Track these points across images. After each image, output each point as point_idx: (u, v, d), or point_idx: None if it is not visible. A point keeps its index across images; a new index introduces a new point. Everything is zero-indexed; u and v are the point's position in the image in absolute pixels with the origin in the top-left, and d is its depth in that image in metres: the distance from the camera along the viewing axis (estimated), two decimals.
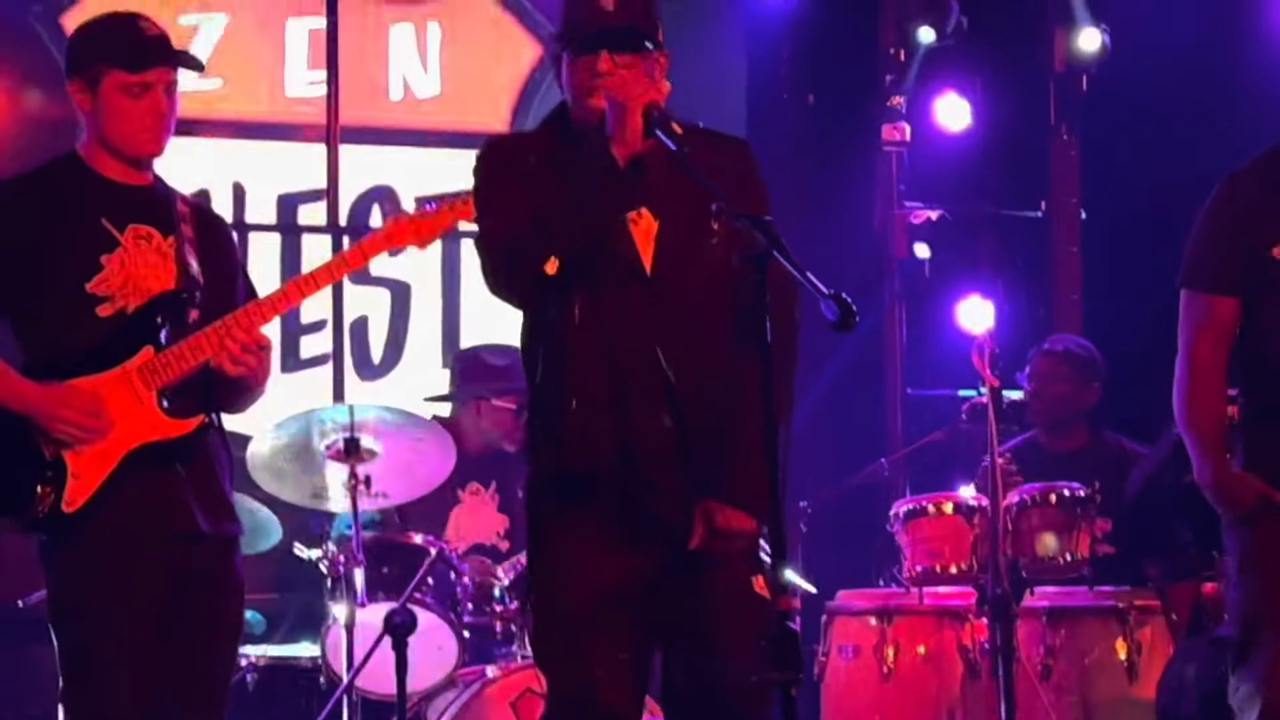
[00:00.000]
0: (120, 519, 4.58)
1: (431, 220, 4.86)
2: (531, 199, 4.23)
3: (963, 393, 7.86)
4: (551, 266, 4.16)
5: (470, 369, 7.82)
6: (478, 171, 4.44)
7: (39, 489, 4.57)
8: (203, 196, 8.84)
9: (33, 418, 4.56)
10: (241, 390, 4.80)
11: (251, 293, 4.93)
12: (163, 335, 4.66)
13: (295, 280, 4.84)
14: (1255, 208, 5.04)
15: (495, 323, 8.24)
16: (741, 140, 4.50)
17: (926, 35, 9.28)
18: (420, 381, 8.16)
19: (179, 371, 4.63)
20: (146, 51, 4.69)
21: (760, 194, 4.38)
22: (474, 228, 4.49)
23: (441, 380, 8.23)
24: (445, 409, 7.77)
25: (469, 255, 8.94)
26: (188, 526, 4.66)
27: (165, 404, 4.64)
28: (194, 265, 4.74)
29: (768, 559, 4.07)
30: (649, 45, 4.31)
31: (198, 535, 4.67)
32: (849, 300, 3.77)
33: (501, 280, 4.30)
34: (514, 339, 4.48)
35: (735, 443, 4.23)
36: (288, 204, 9.30)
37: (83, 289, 4.63)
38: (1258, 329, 5.04)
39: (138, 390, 4.62)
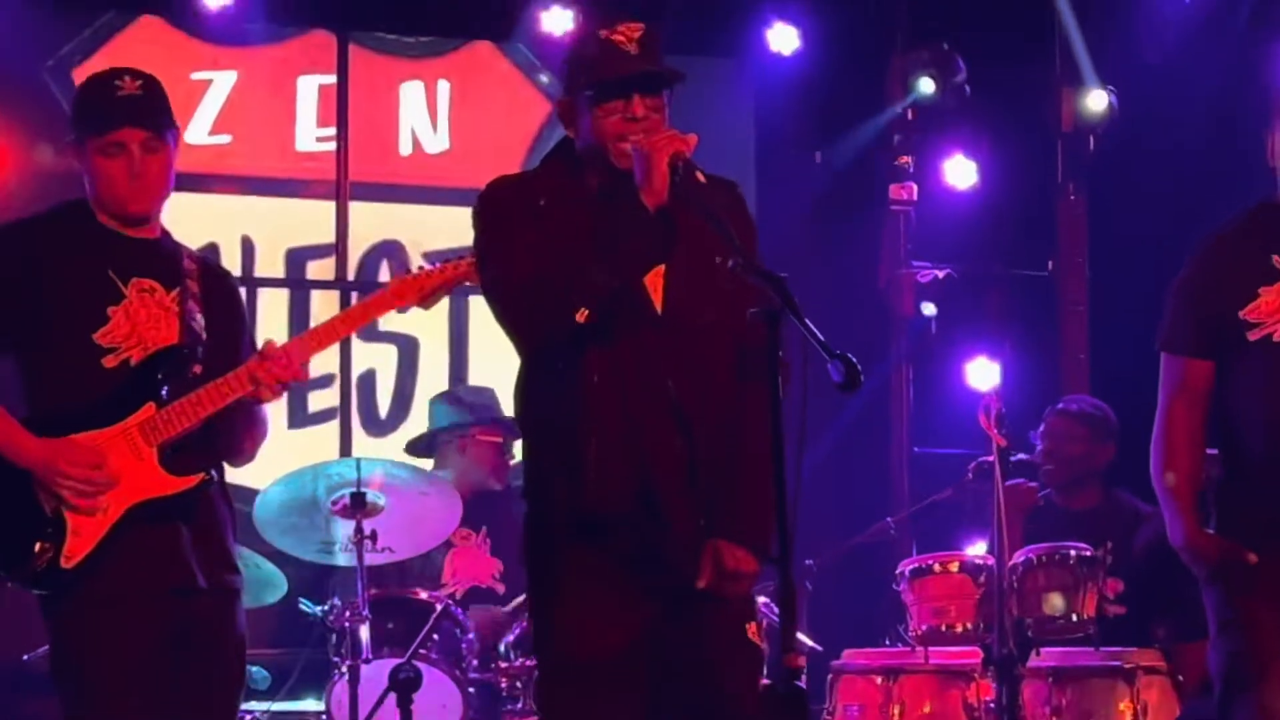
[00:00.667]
0: (119, 575, 4.57)
1: (435, 280, 4.85)
2: (545, 242, 4.23)
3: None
4: (583, 317, 4.15)
5: (447, 407, 7.86)
6: (482, 214, 4.40)
7: (37, 545, 4.56)
8: (212, 251, 8.87)
9: (35, 473, 4.55)
10: (251, 436, 4.80)
11: (253, 346, 4.93)
12: (164, 391, 4.65)
13: (301, 337, 4.83)
14: (1226, 271, 5.09)
15: (503, 378, 8.23)
16: (731, 181, 4.51)
17: (926, 86, 9.28)
18: None
19: (180, 428, 4.63)
20: (113, 113, 4.67)
21: (751, 234, 4.41)
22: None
23: None
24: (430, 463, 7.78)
25: (476, 311, 8.95)
26: (187, 582, 4.64)
27: (166, 460, 4.63)
28: (198, 320, 4.74)
29: (768, 614, 4.06)
30: (673, 85, 4.34)
31: (197, 590, 4.66)
32: (855, 361, 3.81)
33: (527, 328, 4.28)
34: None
35: (740, 483, 4.24)
36: (296, 259, 9.32)
37: (90, 339, 4.64)
38: (1229, 390, 5.09)
39: (138, 446, 4.62)
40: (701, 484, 4.25)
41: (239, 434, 4.83)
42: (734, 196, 4.45)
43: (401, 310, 4.92)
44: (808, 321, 3.90)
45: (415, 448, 7.96)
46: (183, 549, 4.65)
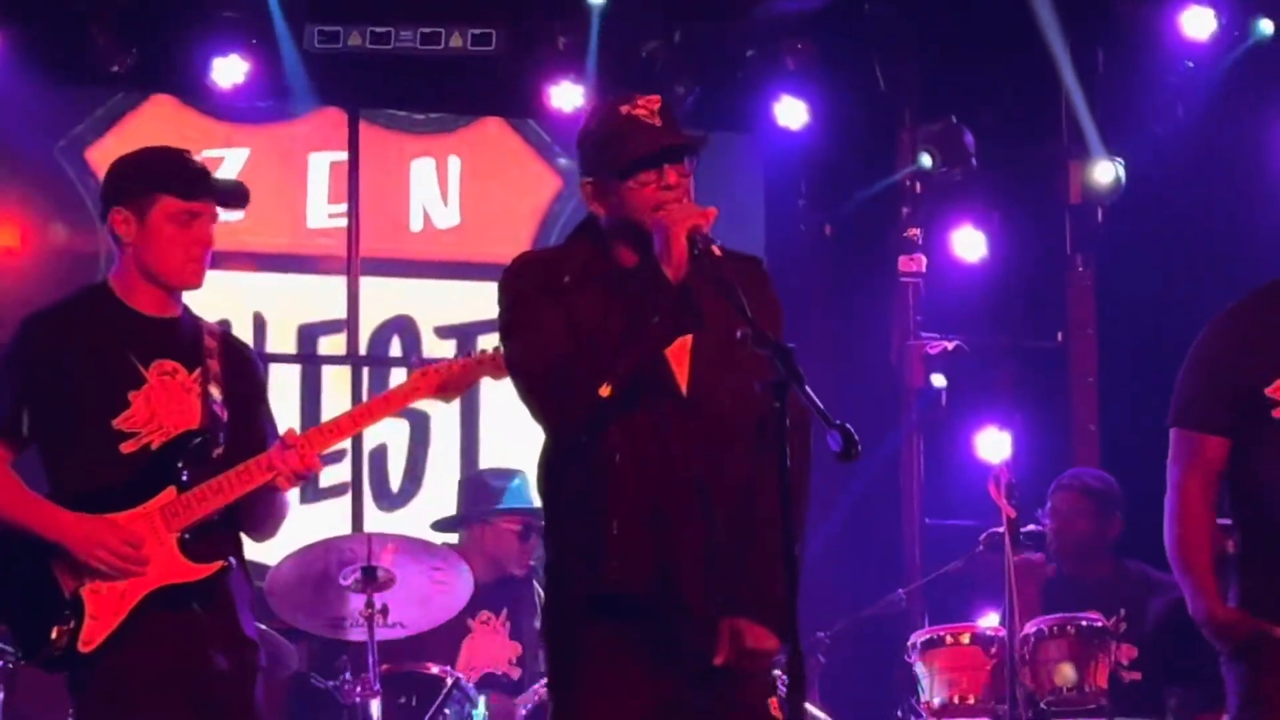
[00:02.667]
0: (138, 660, 4.58)
1: (458, 376, 4.88)
2: (570, 319, 4.23)
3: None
4: (606, 391, 4.16)
5: (474, 492, 7.86)
6: (507, 289, 4.39)
7: (55, 630, 4.57)
8: (224, 328, 8.89)
9: (72, 545, 4.56)
10: (273, 516, 4.82)
11: (273, 423, 4.93)
12: (185, 476, 4.66)
13: (319, 429, 4.83)
14: (1248, 348, 5.07)
15: (514, 453, 8.24)
16: (755, 257, 4.52)
17: (926, 160, 9.31)
18: (438, 511, 8.15)
19: (201, 513, 4.64)
20: (199, 181, 4.75)
21: (775, 310, 4.42)
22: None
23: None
24: (454, 537, 7.77)
25: (488, 386, 8.94)
26: (204, 664, 4.64)
27: (185, 546, 4.64)
28: (218, 401, 4.74)
29: (784, 688, 4.05)
30: (697, 155, 4.35)
31: (216, 672, 4.66)
32: (853, 431, 3.83)
33: (552, 406, 4.26)
34: (533, 467, 4.45)
35: (756, 560, 4.23)
36: (308, 335, 9.34)
37: (109, 425, 4.65)
38: (1252, 465, 5.05)
39: (158, 531, 4.62)
40: (719, 563, 4.24)
41: (260, 516, 4.84)
42: (758, 273, 4.45)
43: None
44: (810, 392, 3.90)
45: (441, 527, 7.96)
46: (200, 632, 4.65)
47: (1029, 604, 6.91)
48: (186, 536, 4.63)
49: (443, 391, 4.89)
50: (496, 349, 4.77)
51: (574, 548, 4.31)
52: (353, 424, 4.86)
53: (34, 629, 4.60)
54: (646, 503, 4.23)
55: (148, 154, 4.87)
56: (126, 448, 4.65)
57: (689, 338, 4.28)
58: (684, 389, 4.29)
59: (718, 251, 4.15)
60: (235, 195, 4.86)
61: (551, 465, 4.40)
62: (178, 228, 4.71)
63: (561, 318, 4.24)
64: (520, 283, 4.37)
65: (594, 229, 4.43)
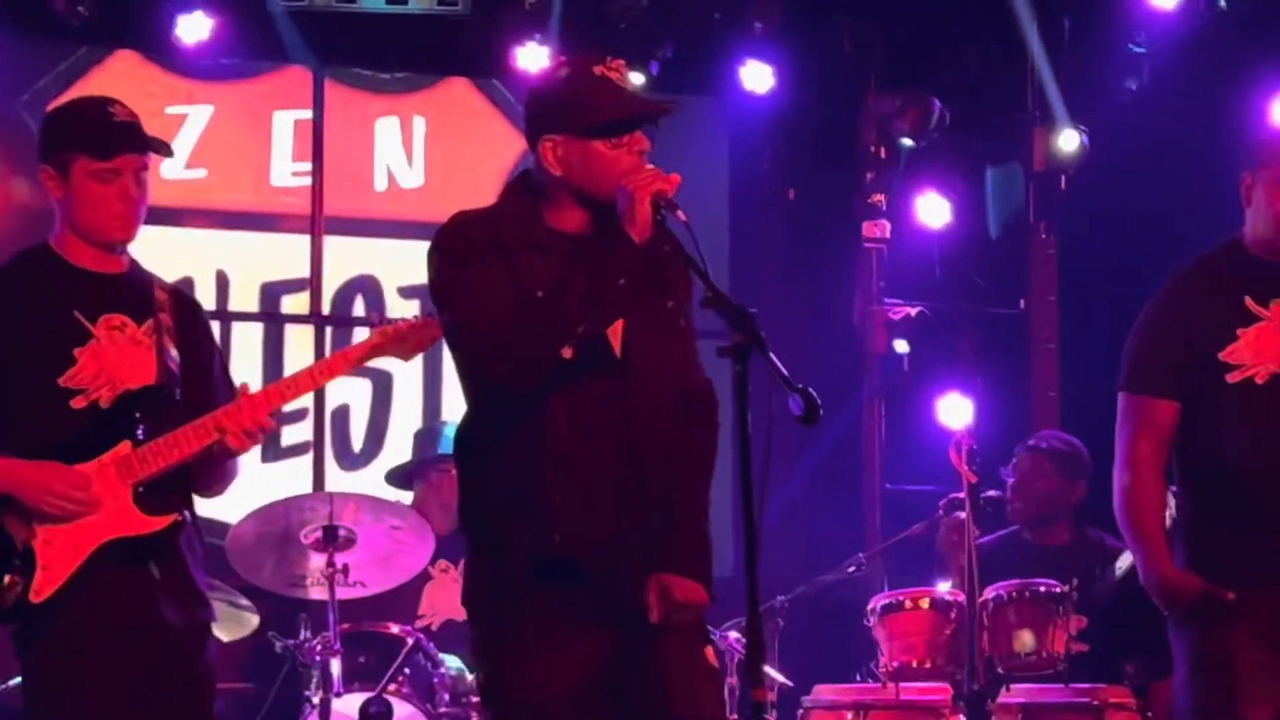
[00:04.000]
0: (89, 612, 4.55)
1: (418, 333, 4.84)
2: (514, 281, 4.21)
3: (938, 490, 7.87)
4: (568, 352, 4.15)
5: (425, 441, 7.90)
6: (444, 252, 4.32)
7: (6, 578, 4.54)
8: (186, 285, 8.86)
9: (20, 493, 4.54)
10: (224, 476, 4.80)
11: (227, 377, 4.92)
12: (140, 430, 4.64)
13: (276, 385, 4.78)
14: (1200, 313, 5.08)
15: None
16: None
17: (908, 143, 9.34)
18: None
19: (156, 467, 4.62)
20: (115, 137, 4.68)
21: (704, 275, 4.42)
22: None
23: None
24: (411, 496, 7.79)
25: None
26: (155, 619, 4.63)
27: (140, 499, 4.62)
28: (173, 356, 4.72)
29: (742, 650, 4.07)
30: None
31: (166, 626, 4.65)
32: (814, 395, 3.84)
33: (506, 367, 4.20)
34: None
35: (681, 520, 4.28)
36: (271, 293, 9.32)
37: (54, 383, 4.61)
38: (1204, 430, 5.08)
39: (112, 484, 4.60)
40: (653, 526, 4.26)
41: (212, 474, 4.81)
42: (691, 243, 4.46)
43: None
44: (773, 356, 3.92)
45: (394, 478, 7.96)
46: (152, 586, 4.64)
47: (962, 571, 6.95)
48: (141, 490, 4.61)
49: (402, 349, 4.86)
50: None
51: (515, 512, 4.27)
52: (311, 380, 4.83)
53: None
54: (589, 468, 4.23)
55: (68, 110, 4.82)
56: (76, 404, 4.62)
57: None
58: (618, 352, 4.28)
59: (683, 217, 4.15)
60: (155, 147, 4.75)
61: (483, 430, 4.35)
62: (100, 184, 4.66)
63: (508, 278, 4.22)
64: (462, 243, 4.30)
65: (535, 185, 4.37)
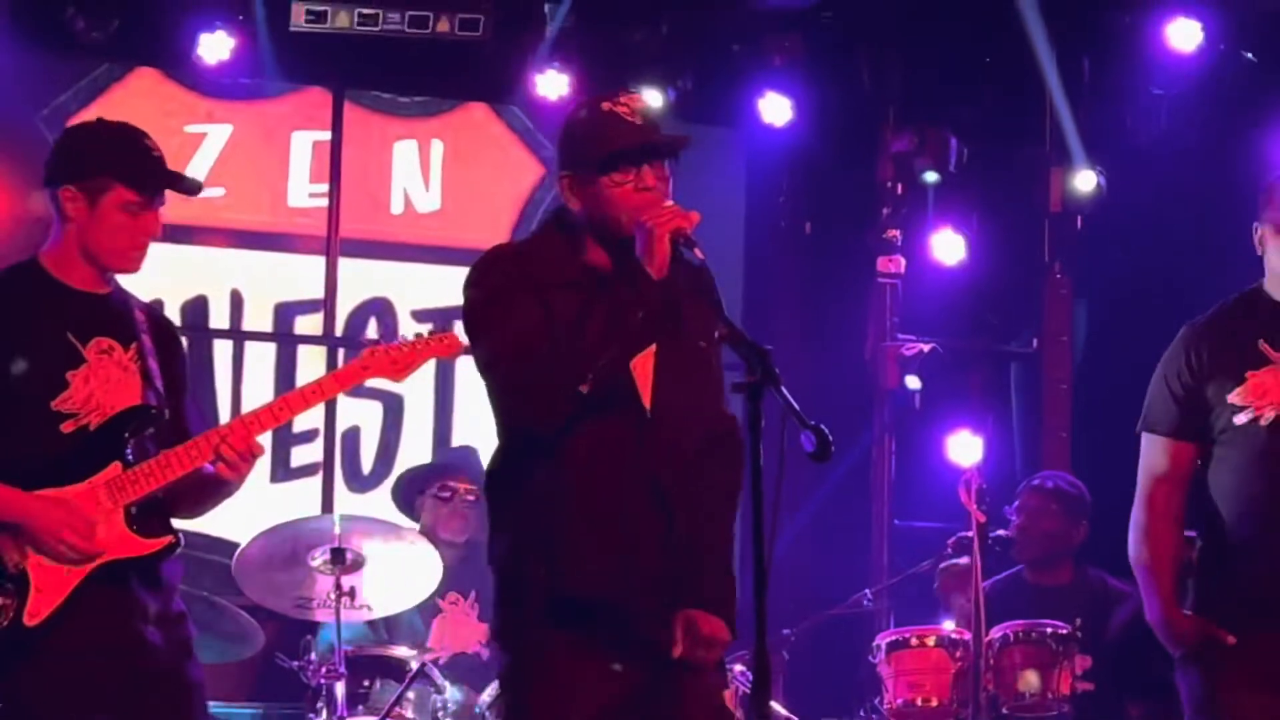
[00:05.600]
0: (76, 635, 4.52)
1: (409, 355, 4.80)
2: (545, 317, 4.22)
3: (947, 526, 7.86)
4: (586, 387, 4.15)
5: (421, 474, 7.95)
6: (479, 284, 4.36)
7: (0, 601, 4.52)
8: (200, 303, 8.89)
9: (30, 530, 4.51)
10: (211, 498, 4.78)
11: (194, 400, 4.92)
12: (129, 451, 4.62)
13: (269, 406, 4.74)
14: (1213, 356, 5.12)
15: (488, 435, 8.22)
16: (704, 266, 4.51)
17: (923, 170, 9.34)
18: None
19: (148, 488, 4.59)
20: (156, 174, 4.68)
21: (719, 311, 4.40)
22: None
23: None
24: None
25: (463, 370, 8.95)
26: (142, 643, 4.61)
27: (132, 522, 4.60)
28: (157, 376, 4.71)
29: (747, 686, 4.06)
30: (677, 156, 4.35)
31: (153, 648, 4.63)
32: (827, 433, 3.85)
33: (532, 402, 4.23)
34: None
35: (708, 555, 4.28)
36: (285, 313, 9.33)
37: (47, 406, 4.58)
38: (1215, 471, 5.11)
39: (103, 506, 4.57)
40: (677, 566, 4.25)
41: (196, 497, 4.77)
42: (708, 276, 4.43)
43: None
44: (785, 392, 3.92)
45: (396, 496, 8.01)
46: (136, 609, 4.62)
47: (965, 613, 6.93)
48: (133, 511, 4.60)
49: (393, 370, 4.83)
50: (446, 332, 4.79)
51: (534, 550, 4.29)
52: (303, 401, 4.77)
53: None
54: (609, 508, 4.24)
55: (105, 132, 4.78)
56: (65, 428, 4.59)
57: (652, 345, 4.28)
58: (647, 395, 4.29)
59: (700, 255, 4.15)
60: (187, 189, 4.76)
61: (510, 466, 4.38)
62: (128, 216, 4.64)
63: (541, 313, 4.23)
64: (496, 277, 4.34)
65: (566, 223, 4.41)
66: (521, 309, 4.25)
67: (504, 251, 4.47)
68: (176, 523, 4.75)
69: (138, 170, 4.66)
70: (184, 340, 5.09)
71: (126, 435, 4.62)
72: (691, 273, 4.29)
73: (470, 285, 4.38)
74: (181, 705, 4.71)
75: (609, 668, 4.25)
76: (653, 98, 4.46)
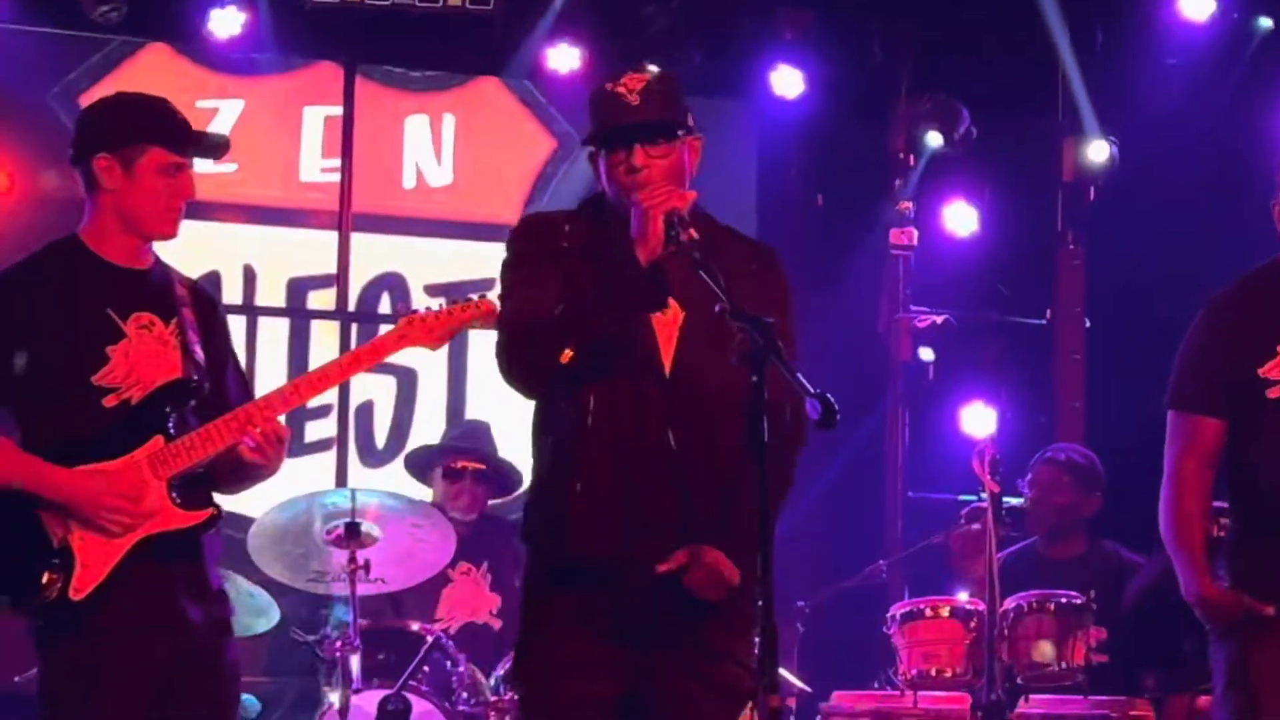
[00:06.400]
0: (120, 610, 4.55)
1: (445, 322, 4.80)
2: (561, 285, 4.27)
3: (963, 497, 7.86)
4: (565, 357, 4.18)
5: (428, 454, 8.02)
6: (510, 248, 4.45)
7: (46, 576, 4.53)
8: (213, 279, 8.89)
9: (74, 506, 4.53)
10: (248, 477, 4.79)
11: (240, 373, 4.93)
12: (171, 425, 4.64)
13: (307, 376, 4.79)
14: (1241, 330, 5.08)
15: (501, 412, 8.26)
16: (768, 246, 4.56)
17: (935, 140, 9.34)
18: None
19: (190, 461, 4.61)
20: (187, 134, 4.72)
21: (781, 298, 4.43)
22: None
23: None
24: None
25: (476, 344, 8.96)
26: (180, 618, 4.63)
27: (175, 494, 4.63)
28: (198, 352, 4.73)
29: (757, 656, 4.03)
30: (680, 133, 4.35)
31: (190, 625, 4.65)
32: (832, 400, 3.84)
33: (516, 365, 4.31)
34: (518, 429, 4.46)
35: (733, 528, 4.24)
36: (298, 289, 9.35)
37: (89, 381, 4.60)
38: (1246, 447, 5.07)
39: (147, 480, 4.60)
40: (694, 536, 4.25)
41: (241, 473, 4.79)
42: (769, 259, 4.50)
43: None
44: (788, 362, 3.94)
45: (411, 463, 8.04)
46: (178, 585, 4.64)
47: (979, 580, 6.94)
48: (175, 484, 4.62)
49: (429, 339, 4.83)
50: (483, 296, 4.78)
51: (542, 514, 4.35)
52: (341, 372, 4.81)
53: (23, 576, 4.55)
54: (616, 473, 4.25)
55: (134, 100, 4.81)
56: (108, 402, 4.61)
57: (679, 315, 4.30)
58: (668, 364, 4.30)
59: (694, 234, 4.16)
60: (219, 149, 4.84)
61: (536, 434, 4.44)
62: (165, 178, 4.67)
63: (553, 283, 4.27)
64: (524, 243, 4.44)
65: (602, 198, 4.47)
66: (541, 277, 4.31)
67: (537, 218, 4.58)
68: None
69: (171, 131, 4.70)
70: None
71: (168, 409, 4.64)
72: (740, 251, 4.35)
73: (506, 248, 4.48)
74: (217, 684, 4.74)
75: (608, 643, 4.25)
76: (663, 78, 4.41)
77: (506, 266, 4.43)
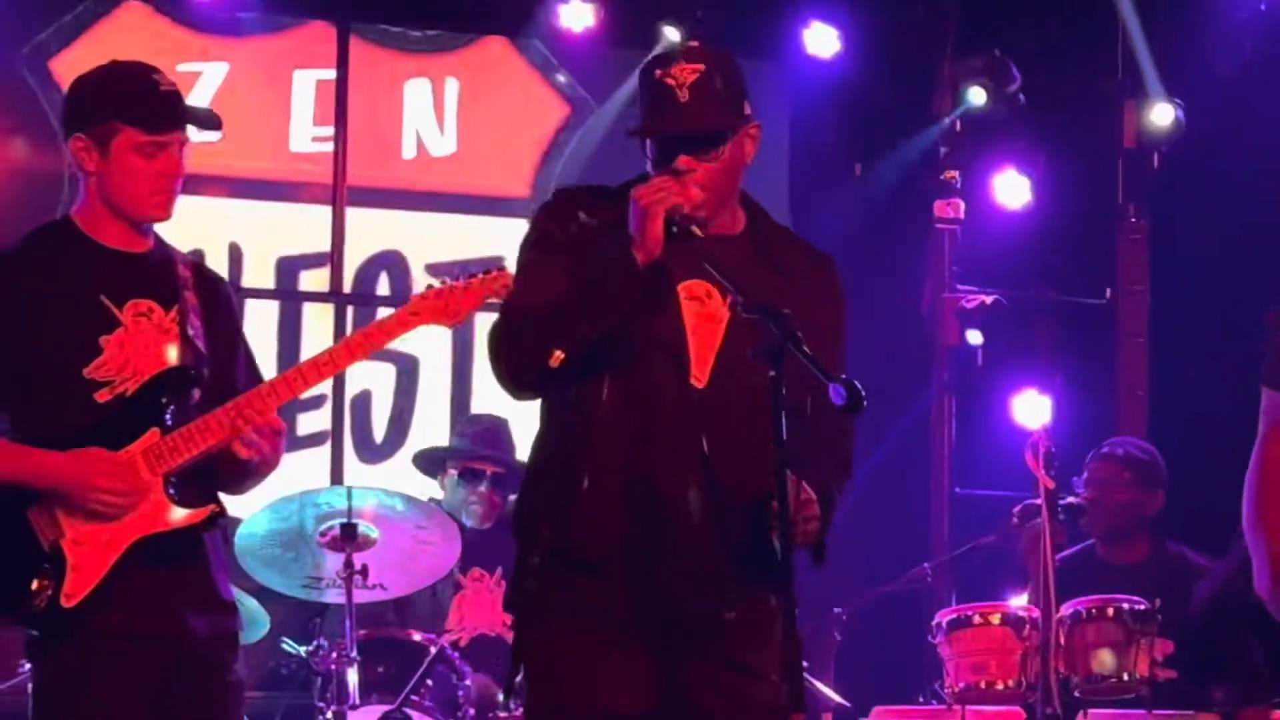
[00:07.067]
0: (114, 617, 4.57)
1: (461, 297, 4.77)
2: (569, 274, 4.26)
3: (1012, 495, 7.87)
4: (556, 360, 4.19)
5: (441, 455, 8.03)
6: (534, 222, 4.46)
7: (35, 583, 4.56)
8: (196, 258, 8.90)
9: (63, 489, 4.56)
10: (248, 474, 4.81)
11: (250, 358, 4.95)
12: (168, 416, 4.66)
13: (312, 360, 4.77)
14: None
15: (509, 400, 8.25)
16: (827, 254, 4.55)
17: (977, 96, 9.32)
18: None
19: (187, 455, 4.62)
20: (164, 109, 4.71)
21: (837, 308, 4.47)
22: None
23: None
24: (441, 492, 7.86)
25: (481, 330, 8.97)
26: (182, 628, 4.66)
27: (172, 492, 4.64)
28: (198, 338, 4.75)
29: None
30: (730, 135, 4.34)
31: (193, 634, 4.68)
32: (857, 385, 3.86)
33: (504, 360, 4.30)
34: (532, 423, 4.46)
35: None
36: (288, 268, 9.36)
37: (79, 374, 4.62)
38: None
39: (143, 476, 4.61)
40: (726, 531, 4.26)
41: (238, 469, 4.79)
42: (826, 267, 4.50)
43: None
44: (807, 350, 3.95)
45: (422, 461, 8.06)
46: (177, 591, 4.66)
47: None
48: (172, 480, 4.64)
49: (446, 315, 4.81)
50: (502, 267, 4.72)
51: (543, 502, 4.34)
52: (349, 354, 4.80)
53: (11, 583, 4.58)
54: (628, 465, 4.26)
55: (110, 75, 4.79)
56: (100, 396, 4.63)
57: (726, 314, 4.30)
58: (710, 361, 4.31)
59: (699, 233, 4.17)
60: (206, 123, 4.83)
61: (540, 420, 4.44)
62: (143, 159, 4.68)
63: (566, 270, 4.27)
64: (547, 220, 4.42)
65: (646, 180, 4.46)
66: (550, 263, 4.30)
67: (568, 193, 4.55)
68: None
69: (144, 108, 4.68)
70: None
71: (164, 400, 4.66)
72: (799, 259, 4.38)
73: (530, 222, 4.49)
74: (218, 701, 4.76)
75: (615, 638, 4.24)
76: (714, 59, 4.39)
77: (525, 243, 4.43)
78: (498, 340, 4.32)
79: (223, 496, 4.89)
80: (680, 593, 4.25)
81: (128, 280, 4.72)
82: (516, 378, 4.32)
